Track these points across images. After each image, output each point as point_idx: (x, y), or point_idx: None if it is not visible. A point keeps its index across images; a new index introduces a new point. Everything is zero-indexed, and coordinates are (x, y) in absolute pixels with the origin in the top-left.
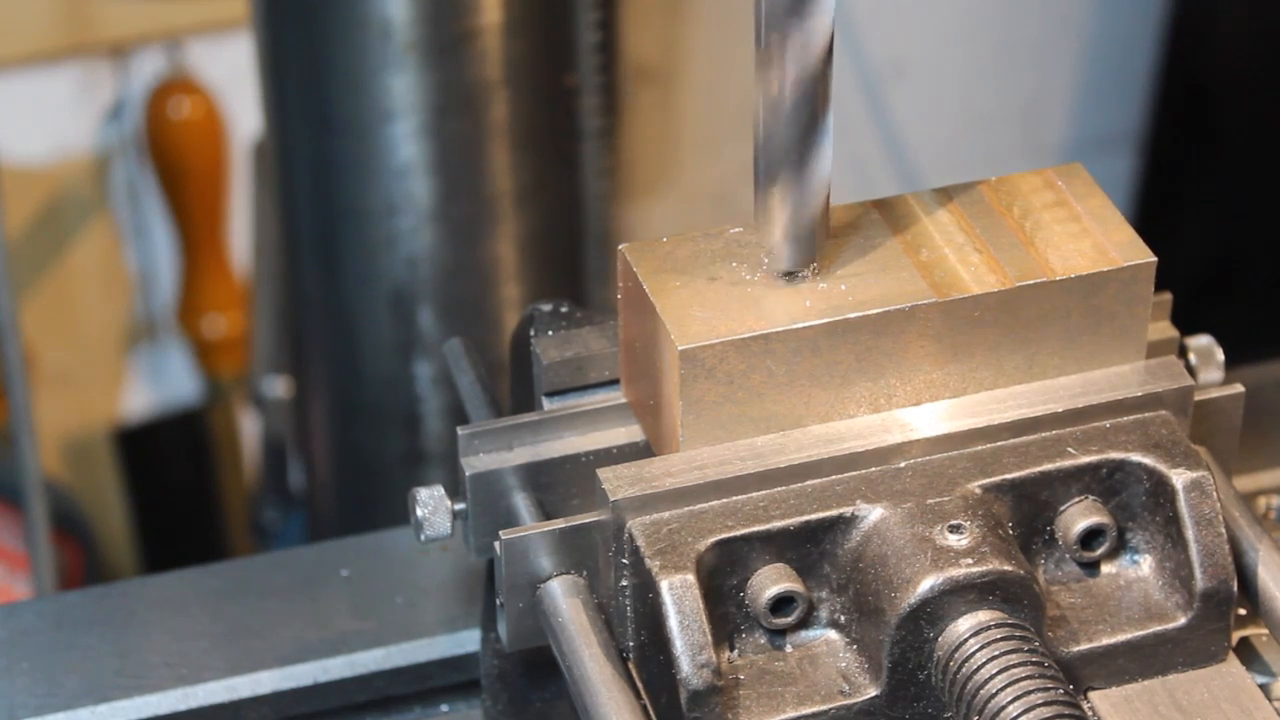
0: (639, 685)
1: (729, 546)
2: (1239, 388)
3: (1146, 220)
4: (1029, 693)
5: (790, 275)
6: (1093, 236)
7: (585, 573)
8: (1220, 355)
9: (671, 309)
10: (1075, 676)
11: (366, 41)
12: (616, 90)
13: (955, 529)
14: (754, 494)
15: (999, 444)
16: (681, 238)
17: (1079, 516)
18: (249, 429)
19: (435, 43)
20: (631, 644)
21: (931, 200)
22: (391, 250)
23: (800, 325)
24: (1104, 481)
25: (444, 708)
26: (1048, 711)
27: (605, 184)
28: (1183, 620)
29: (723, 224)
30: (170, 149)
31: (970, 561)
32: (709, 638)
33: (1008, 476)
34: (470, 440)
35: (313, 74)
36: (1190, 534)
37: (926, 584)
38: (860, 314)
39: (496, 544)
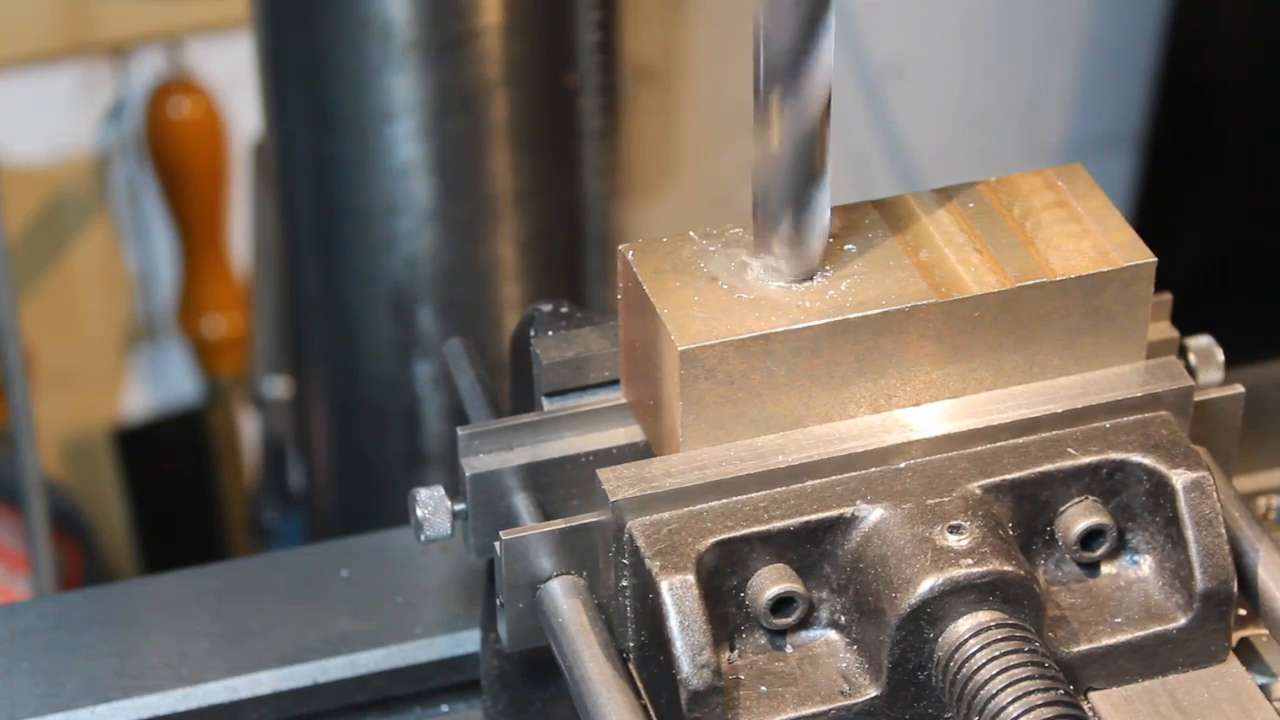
0: (639, 685)
1: (729, 547)
2: (1239, 388)
3: (1146, 220)
4: (1029, 693)
5: (790, 275)
6: (1093, 237)
7: (585, 573)
8: (1220, 355)
9: (671, 309)
10: (1075, 677)
11: (366, 41)
12: (616, 90)
13: (955, 529)
14: (754, 494)
15: (999, 444)
16: (681, 238)
17: (1079, 517)
18: (249, 429)
19: (435, 43)
20: (632, 644)
21: (931, 200)
22: (391, 250)
23: (800, 325)
24: (1104, 482)
25: (444, 708)
26: (1048, 712)
27: (605, 184)
28: (1183, 620)
29: (723, 224)
30: (170, 149)
31: (970, 562)
32: (709, 638)
33: (1008, 477)
34: (470, 440)
35: (313, 74)
36: (1190, 534)
37: (927, 584)
38: (860, 314)
39: (496, 544)
